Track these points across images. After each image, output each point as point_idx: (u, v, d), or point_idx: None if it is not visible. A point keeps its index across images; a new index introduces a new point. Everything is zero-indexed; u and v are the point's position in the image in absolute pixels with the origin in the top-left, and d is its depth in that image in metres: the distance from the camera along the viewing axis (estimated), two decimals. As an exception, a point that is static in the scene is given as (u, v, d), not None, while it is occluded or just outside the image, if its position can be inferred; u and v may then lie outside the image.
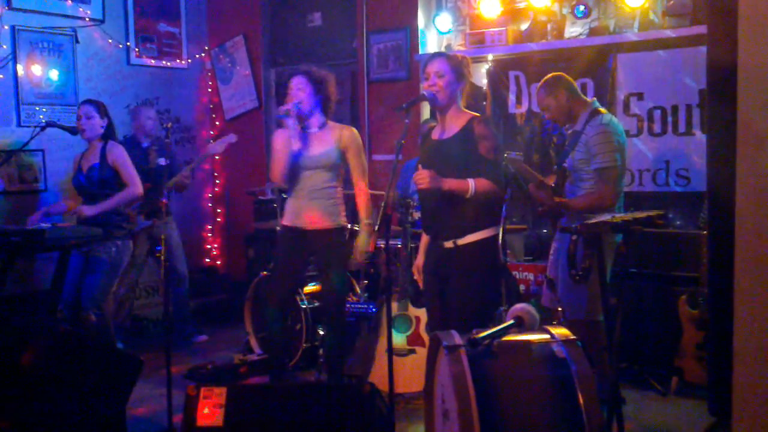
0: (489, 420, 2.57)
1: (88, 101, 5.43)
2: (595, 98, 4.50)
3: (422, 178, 3.50)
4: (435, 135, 3.77)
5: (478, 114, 3.70)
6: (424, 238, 3.90)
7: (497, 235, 3.62)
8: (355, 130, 4.55)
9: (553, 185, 4.36)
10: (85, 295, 4.99)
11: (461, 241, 3.58)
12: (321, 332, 5.07)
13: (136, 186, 5.16)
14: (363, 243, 4.44)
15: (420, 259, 3.93)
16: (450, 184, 3.52)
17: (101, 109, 5.23)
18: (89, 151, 5.21)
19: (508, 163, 4.01)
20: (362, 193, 4.49)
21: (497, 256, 3.53)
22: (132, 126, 6.07)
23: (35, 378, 3.51)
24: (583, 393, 2.61)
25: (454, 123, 3.67)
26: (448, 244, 3.62)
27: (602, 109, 4.33)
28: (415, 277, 4.00)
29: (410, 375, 4.45)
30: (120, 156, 5.26)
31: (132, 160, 5.51)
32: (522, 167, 4.25)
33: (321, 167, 4.41)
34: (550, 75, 4.48)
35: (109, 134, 5.19)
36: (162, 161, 6.00)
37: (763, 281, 2.75)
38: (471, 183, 3.51)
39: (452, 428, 2.67)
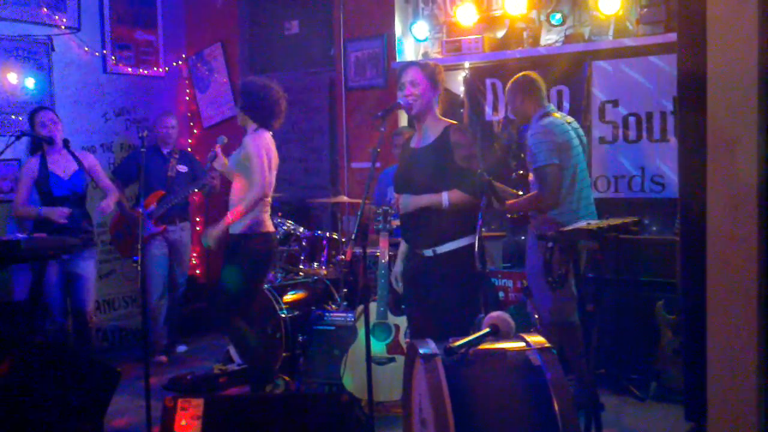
0: (465, 429, 2.58)
1: (45, 108, 5.45)
2: (550, 103, 4.59)
3: (398, 207, 3.71)
4: (413, 143, 3.79)
5: (455, 122, 3.71)
6: (403, 246, 3.91)
7: (474, 243, 3.63)
8: (252, 136, 4.66)
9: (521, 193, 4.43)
10: (84, 298, 5.25)
11: (440, 250, 3.59)
12: (300, 340, 5.07)
13: (113, 190, 5.40)
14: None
15: (398, 267, 3.94)
16: (423, 201, 3.58)
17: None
18: (55, 158, 5.22)
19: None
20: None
21: (474, 264, 3.55)
22: (153, 134, 6.06)
23: (12, 390, 3.48)
24: (559, 400, 2.62)
25: (431, 131, 3.68)
26: (427, 253, 3.63)
27: (556, 113, 4.39)
28: (393, 286, 4.01)
29: (389, 383, 4.45)
30: (96, 163, 5.36)
31: (152, 167, 5.71)
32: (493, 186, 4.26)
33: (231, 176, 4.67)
34: (516, 76, 4.58)
35: (66, 140, 5.27)
36: (182, 168, 6.07)
37: (735, 287, 2.78)
38: (444, 196, 3.54)
39: (429, 437, 2.67)
